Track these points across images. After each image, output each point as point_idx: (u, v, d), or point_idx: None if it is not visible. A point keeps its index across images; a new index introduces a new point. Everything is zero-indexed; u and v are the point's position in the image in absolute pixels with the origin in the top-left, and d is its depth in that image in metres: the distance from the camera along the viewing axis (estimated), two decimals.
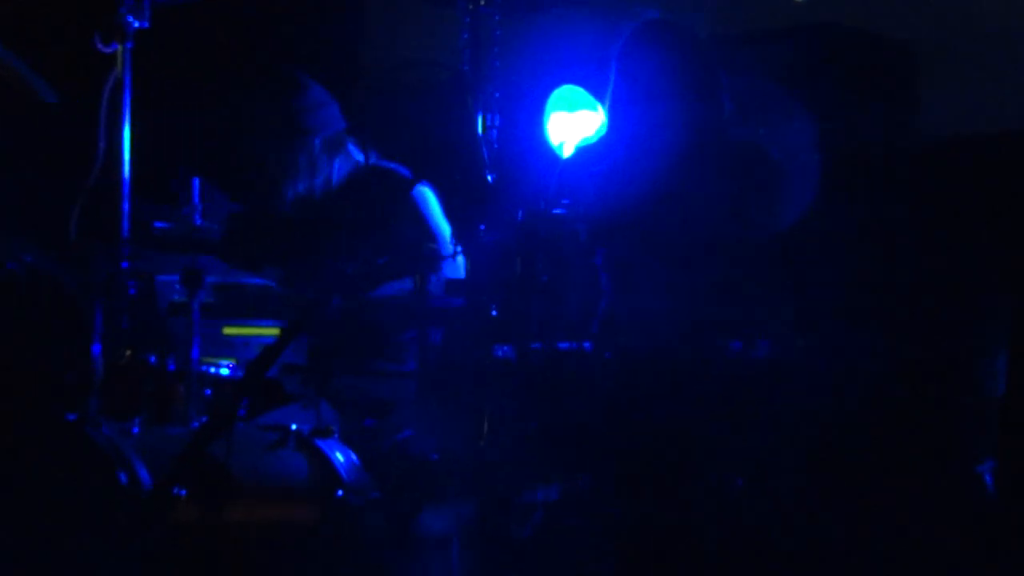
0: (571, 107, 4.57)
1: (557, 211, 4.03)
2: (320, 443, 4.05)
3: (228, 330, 4.32)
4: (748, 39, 5.19)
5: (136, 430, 3.87)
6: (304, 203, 4.82)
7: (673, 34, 4.31)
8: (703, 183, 4.17)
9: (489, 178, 4.13)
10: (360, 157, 4.82)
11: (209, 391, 4.06)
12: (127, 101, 4.20)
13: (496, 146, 4.34)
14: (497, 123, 4.38)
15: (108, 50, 4.21)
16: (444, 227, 4.71)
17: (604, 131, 4.44)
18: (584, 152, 4.51)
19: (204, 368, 4.05)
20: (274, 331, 4.26)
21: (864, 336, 4.22)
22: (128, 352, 4.00)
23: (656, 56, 4.29)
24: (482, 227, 4.00)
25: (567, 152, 4.54)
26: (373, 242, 4.28)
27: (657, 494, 3.89)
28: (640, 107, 4.29)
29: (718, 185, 4.17)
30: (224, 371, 4.14)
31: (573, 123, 4.57)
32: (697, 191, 4.15)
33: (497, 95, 4.40)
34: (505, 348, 3.92)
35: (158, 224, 4.08)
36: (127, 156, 4.16)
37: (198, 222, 4.09)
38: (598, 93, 4.49)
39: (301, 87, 4.82)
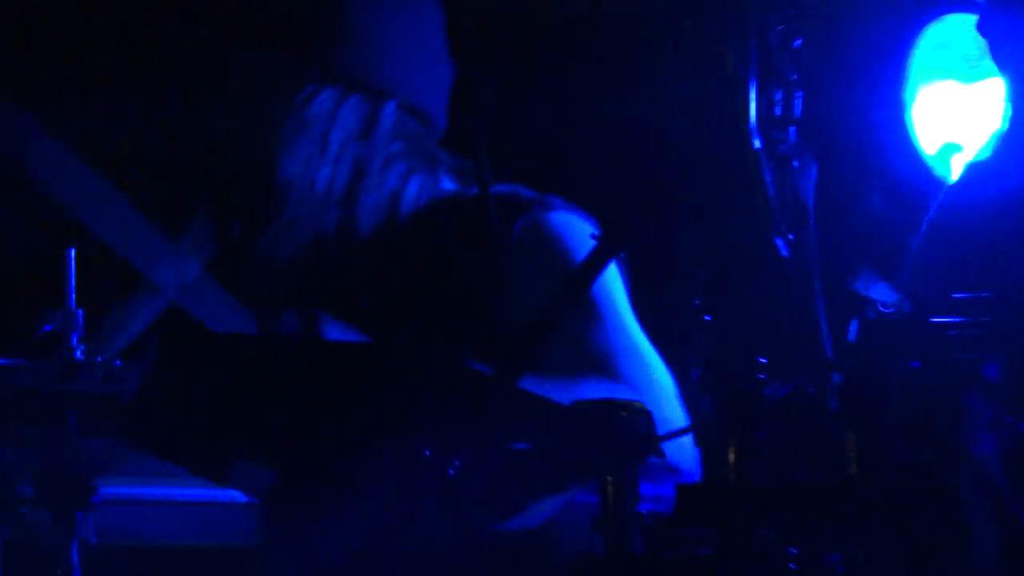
0: (966, 72, 2.41)
1: (938, 321, 2.29)
2: None
3: None
4: None
5: None
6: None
7: None
8: None
9: (778, 244, 2.26)
10: (449, 185, 2.93)
11: None
12: None
13: (798, 165, 2.37)
14: (797, 112, 2.36)
15: None
16: (649, 352, 2.76)
17: None
18: (996, 167, 2.36)
19: None
20: None
21: None
22: None
23: None
24: (762, 360, 2.24)
25: (956, 174, 2.47)
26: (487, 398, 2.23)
27: None
28: None
29: None
30: None
31: (972, 105, 2.40)
32: None
33: (797, 44, 2.34)
34: None
35: None
36: None
37: (80, 356, 2.50)
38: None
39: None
